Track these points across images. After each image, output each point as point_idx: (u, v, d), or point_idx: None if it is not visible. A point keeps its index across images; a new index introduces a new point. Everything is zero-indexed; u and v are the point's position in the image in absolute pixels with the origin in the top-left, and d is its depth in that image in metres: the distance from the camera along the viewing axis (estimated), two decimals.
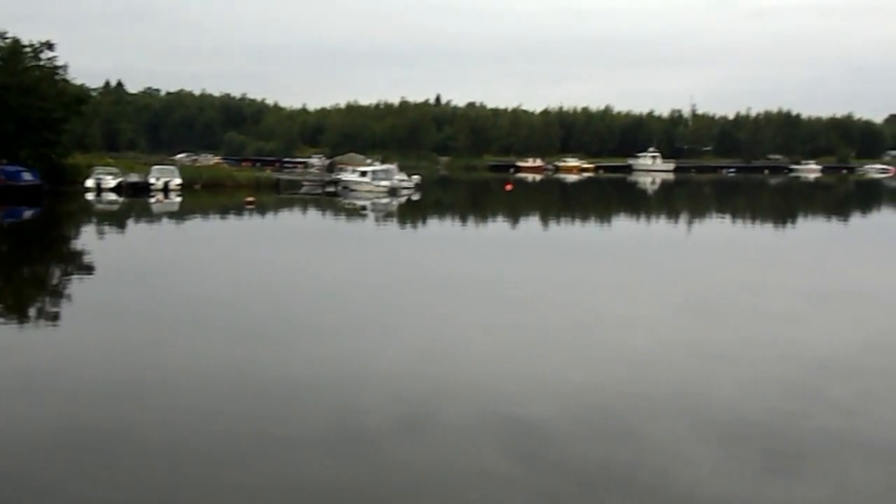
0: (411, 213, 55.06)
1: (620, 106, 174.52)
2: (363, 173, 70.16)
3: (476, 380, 14.62)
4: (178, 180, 63.33)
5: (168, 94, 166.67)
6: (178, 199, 58.76)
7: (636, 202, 74.37)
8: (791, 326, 19.55)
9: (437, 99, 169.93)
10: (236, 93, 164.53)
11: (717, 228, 49.29)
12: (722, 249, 36.52)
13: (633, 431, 12.10)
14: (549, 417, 12.63)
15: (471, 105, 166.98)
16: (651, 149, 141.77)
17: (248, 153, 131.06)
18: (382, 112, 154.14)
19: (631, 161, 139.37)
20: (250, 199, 55.06)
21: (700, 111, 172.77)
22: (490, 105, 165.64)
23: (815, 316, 21.07)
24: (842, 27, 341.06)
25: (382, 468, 10.70)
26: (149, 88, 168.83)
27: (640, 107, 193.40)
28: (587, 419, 12.69)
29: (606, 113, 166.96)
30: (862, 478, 10.65)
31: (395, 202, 61.00)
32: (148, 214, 50.83)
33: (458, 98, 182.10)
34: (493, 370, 15.29)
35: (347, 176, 71.91)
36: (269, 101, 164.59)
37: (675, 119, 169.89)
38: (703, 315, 20.81)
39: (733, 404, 13.37)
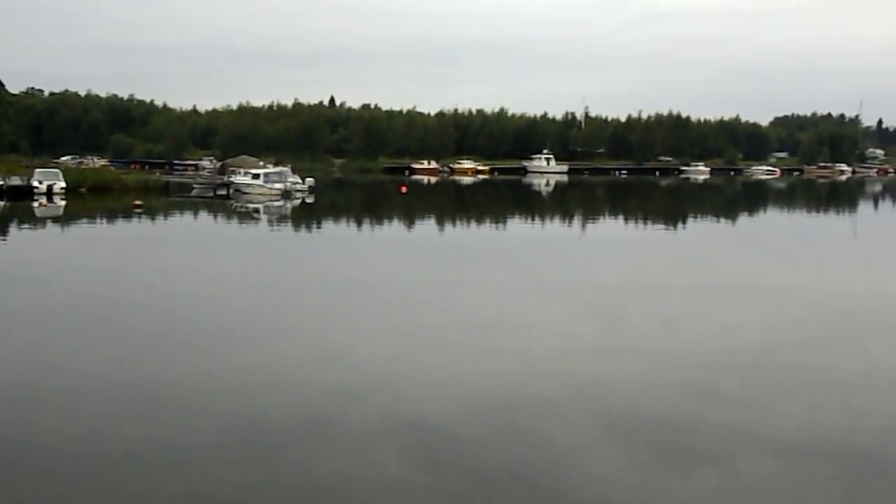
0: (305, 216, 54.48)
1: (515, 108, 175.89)
2: (255, 176, 69.04)
3: (377, 383, 14.45)
4: (62, 183, 61.14)
5: (52, 94, 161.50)
6: (63, 203, 56.78)
7: (531, 204, 74.88)
8: (684, 324, 19.84)
9: (332, 100, 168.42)
10: (123, 94, 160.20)
11: (611, 229, 49.99)
12: (616, 250, 36.90)
13: (534, 431, 12.07)
14: (451, 420, 12.51)
15: (365, 107, 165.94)
16: (545, 151, 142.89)
17: (136, 155, 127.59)
18: (275, 114, 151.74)
19: (525, 163, 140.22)
20: (138, 202, 53.45)
21: (593, 114, 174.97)
22: (385, 107, 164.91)
23: (706, 313, 21.30)
24: (732, 31, 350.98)
25: (284, 475, 10.47)
26: (31, 89, 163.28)
27: (534, 109, 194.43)
28: (489, 420, 12.59)
29: (501, 115, 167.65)
30: (755, 470, 10.77)
31: (289, 205, 60.34)
32: (31, 219, 48.95)
33: (352, 100, 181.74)
34: (394, 373, 15.14)
35: (239, 179, 70.59)
36: (158, 102, 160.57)
37: (569, 121, 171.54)
38: (599, 314, 20.96)
39: (631, 402, 13.44)
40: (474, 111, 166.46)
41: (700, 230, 50.47)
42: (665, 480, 10.52)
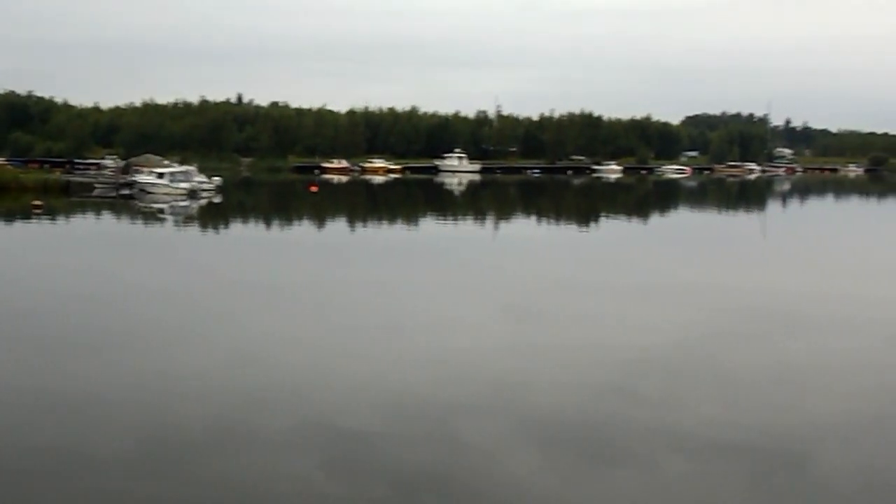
0: (212, 216, 53.20)
1: (427, 107, 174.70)
2: (160, 175, 67.05)
3: (291, 389, 14.03)
4: None
5: None
6: None
7: (444, 203, 74.41)
8: (601, 323, 19.78)
9: (239, 98, 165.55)
10: (22, 90, 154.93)
11: (525, 229, 49.85)
12: (531, 249, 36.76)
13: (453, 433, 11.86)
14: (369, 423, 12.20)
15: (274, 105, 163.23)
16: (457, 150, 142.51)
17: (35, 154, 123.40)
18: (181, 111, 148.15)
19: (437, 162, 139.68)
20: (37, 202, 51.12)
21: (506, 112, 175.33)
22: (294, 105, 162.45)
23: (622, 312, 21.25)
24: (644, 31, 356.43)
25: (194, 486, 10.11)
26: None
27: (446, 108, 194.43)
28: (407, 423, 12.34)
29: (413, 113, 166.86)
30: (672, 468, 10.75)
31: (195, 205, 58.83)
32: None
33: (260, 97, 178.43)
34: (308, 378, 14.76)
35: (144, 178, 68.48)
36: (59, 100, 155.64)
37: (481, 120, 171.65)
38: (515, 314, 20.70)
39: (549, 401, 13.32)
40: (386, 109, 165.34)
41: (614, 229, 50.65)
42: (583, 480, 10.45)
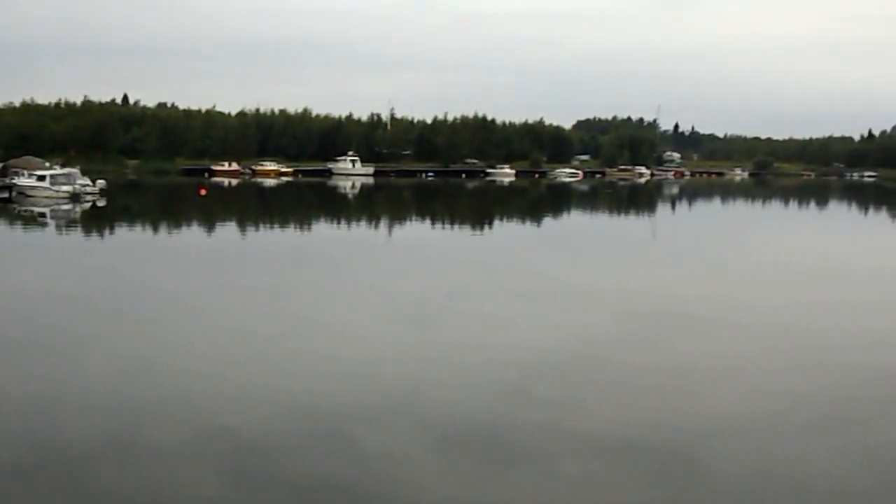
0: (96, 220, 51.61)
1: (319, 109, 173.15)
2: (41, 178, 64.48)
3: (184, 396, 13.60)
4: None
5: None
6: None
7: (337, 207, 73.52)
8: (498, 326, 19.69)
9: (125, 98, 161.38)
10: None
11: (420, 232, 49.43)
12: (426, 253, 36.67)
13: (352, 440, 11.62)
14: (265, 431, 11.90)
15: (161, 106, 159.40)
16: (350, 153, 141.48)
17: None
18: (63, 112, 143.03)
19: (330, 165, 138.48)
20: None
21: (400, 115, 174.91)
22: (182, 106, 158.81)
23: (519, 315, 21.25)
24: (538, 36, 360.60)
25: (84, 498, 9.77)
26: None
27: (339, 110, 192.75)
28: (305, 431, 12.08)
29: (305, 116, 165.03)
30: (571, 468, 10.78)
31: (78, 209, 56.79)
32: None
33: (147, 98, 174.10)
34: (201, 385, 14.33)
35: (23, 181, 65.80)
36: None
37: (375, 123, 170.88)
38: (412, 319, 20.55)
39: (449, 405, 13.22)
40: (277, 111, 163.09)
41: (508, 233, 50.88)
42: (483, 482, 10.35)
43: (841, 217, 76.20)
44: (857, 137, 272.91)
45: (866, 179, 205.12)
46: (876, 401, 13.97)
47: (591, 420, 12.70)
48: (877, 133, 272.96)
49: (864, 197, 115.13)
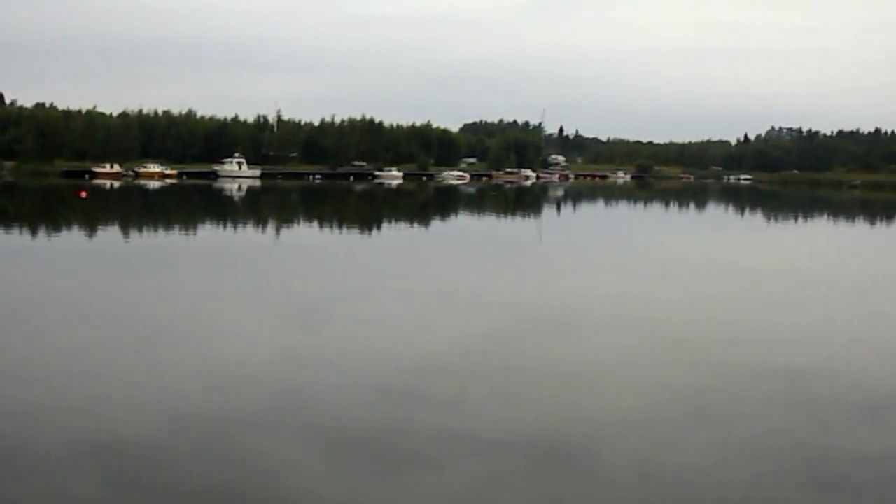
0: None
1: (205, 110, 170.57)
2: None
3: (61, 402, 13.24)
4: None
5: None
6: None
7: (222, 209, 72.56)
8: (386, 328, 19.63)
9: (1, 98, 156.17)
10: None
11: (307, 234, 49.05)
12: (313, 256, 36.44)
13: (240, 445, 11.45)
14: (149, 437, 11.64)
15: (40, 106, 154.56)
16: (237, 155, 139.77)
17: None
18: None
19: (216, 167, 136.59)
20: None
21: (287, 117, 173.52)
22: (62, 106, 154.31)
23: (407, 316, 21.29)
24: (424, 40, 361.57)
25: None
26: None
27: (225, 111, 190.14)
28: (190, 436, 11.83)
29: (190, 117, 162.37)
30: (462, 470, 10.77)
31: None
32: None
33: (24, 98, 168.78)
34: (79, 391, 13.94)
35: None
36: None
37: (261, 125, 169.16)
38: (300, 322, 20.34)
39: (337, 408, 13.13)
40: (161, 112, 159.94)
41: (396, 235, 50.98)
42: (372, 485, 10.29)
43: (719, 218, 78.61)
44: (733, 141, 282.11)
45: (742, 182, 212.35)
46: (754, 395, 14.38)
47: (478, 420, 12.73)
48: (752, 137, 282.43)
49: (741, 199, 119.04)
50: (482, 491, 10.19)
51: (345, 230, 52.43)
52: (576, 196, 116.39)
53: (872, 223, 74.33)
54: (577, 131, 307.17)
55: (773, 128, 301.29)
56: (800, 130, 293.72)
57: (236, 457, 11.05)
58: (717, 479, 10.62)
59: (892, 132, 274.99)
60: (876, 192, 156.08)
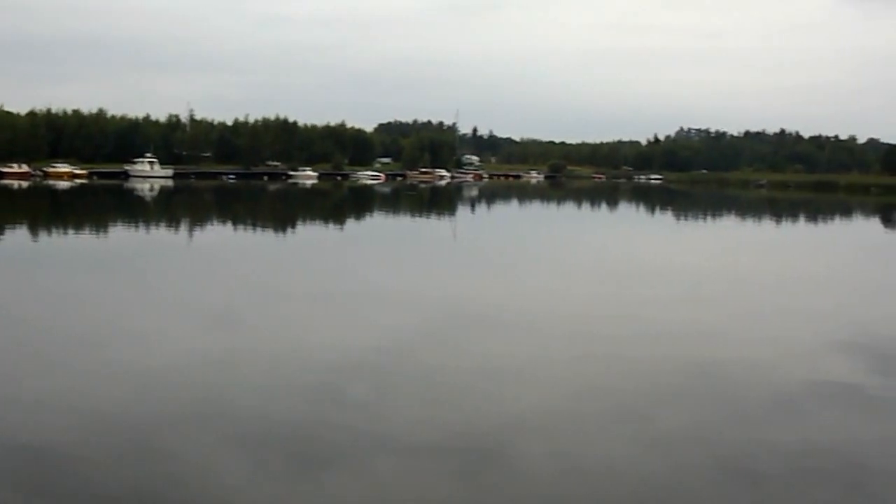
0: None
1: (115, 109, 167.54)
2: None
3: None
4: None
5: None
6: None
7: (134, 209, 71.48)
8: (304, 329, 19.57)
9: None
10: None
11: (222, 235, 48.61)
12: (228, 256, 36.16)
13: (158, 448, 11.34)
14: (66, 443, 11.42)
15: None
16: (148, 154, 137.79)
17: None
18: None
19: (128, 167, 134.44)
20: None
21: (199, 117, 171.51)
22: None
23: (325, 317, 21.20)
24: (340, 40, 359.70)
25: None
26: None
27: (136, 111, 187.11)
28: (108, 441, 11.60)
29: (100, 116, 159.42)
30: (385, 468, 10.81)
31: None
32: None
33: None
34: None
35: None
36: None
37: (173, 124, 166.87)
38: (216, 323, 20.17)
39: (259, 410, 13.01)
40: (70, 111, 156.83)
41: (311, 235, 50.70)
42: (294, 486, 10.26)
43: (632, 217, 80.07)
44: (644, 142, 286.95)
45: (653, 181, 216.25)
46: (672, 389, 14.72)
47: (399, 420, 12.77)
48: (662, 138, 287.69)
49: (652, 198, 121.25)
50: (404, 489, 10.26)
51: (260, 230, 52.09)
52: (490, 196, 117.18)
53: (779, 221, 76.54)
54: (491, 132, 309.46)
55: (682, 128, 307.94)
56: (708, 131, 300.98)
57: (154, 459, 10.94)
58: (637, 472, 10.85)
59: (797, 133, 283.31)
60: (781, 191, 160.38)
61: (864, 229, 70.52)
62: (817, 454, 11.72)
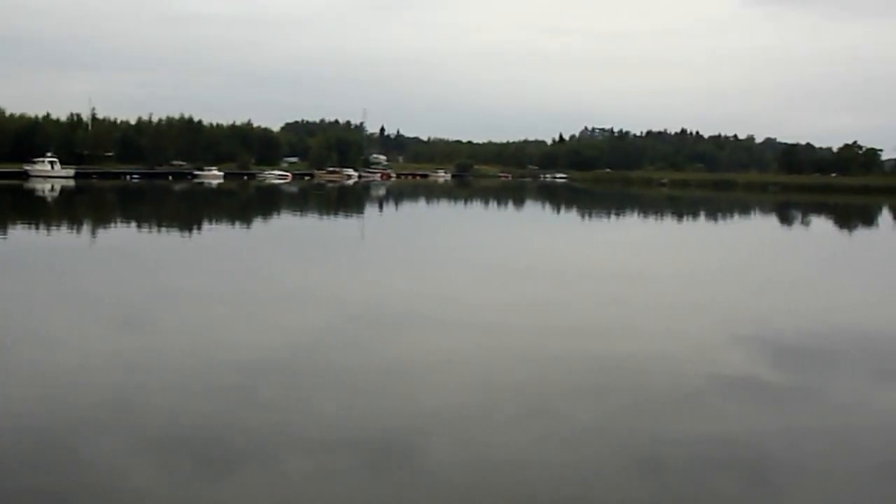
0: None
1: (13, 108, 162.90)
2: None
3: None
4: None
5: None
6: None
7: (34, 210, 69.61)
8: (211, 330, 19.39)
9: None
10: None
11: (123, 234, 47.57)
12: (130, 256, 35.38)
13: (65, 450, 11.23)
14: None
15: None
16: (49, 154, 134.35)
17: None
18: None
19: (28, 167, 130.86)
20: None
21: (102, 116, 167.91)
22: None
23: (232, 318, 20.99)
24: (247, 39, 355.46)
25: None
26: None
27: (36, 110, 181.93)
28: (12, 445, 11.43)
29: None
30: (296, 468, 10.86)
31: None
32: None
33: None
34: None
35: None
36: None
37: (75, 123, 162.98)
38: (123, 324, 19.91)
39: (168, 412, 12.89)
40: None
41: (217, 235, 50.13)
42: (207, 485, 10.29)
43: (538, 215, 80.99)
44: (549, 141, 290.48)
45: (558, 180, 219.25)
46: (579, 385, 15.04)
47: (310, 419, 12.80)
48: (567, 137, 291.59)
49: (558, 197, 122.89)
50: (317, 489, 10.30)
51: (164, 231, 51.30)
52: (398, 195, 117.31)
53: (680, 219, 78.35)
54: (398, 131, 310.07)
55: (586, 128, 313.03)
56: (612, 131, 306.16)
57: (59, 463, 10.82)
58: (545, 465, 11.08)
59: (697, 133, 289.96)
60: (682, 190, 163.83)
61: (761, 226, 72.56)
62: (720, 445, 12.08)
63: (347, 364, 16.25)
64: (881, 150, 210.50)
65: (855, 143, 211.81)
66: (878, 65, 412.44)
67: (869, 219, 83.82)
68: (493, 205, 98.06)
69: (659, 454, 11.63)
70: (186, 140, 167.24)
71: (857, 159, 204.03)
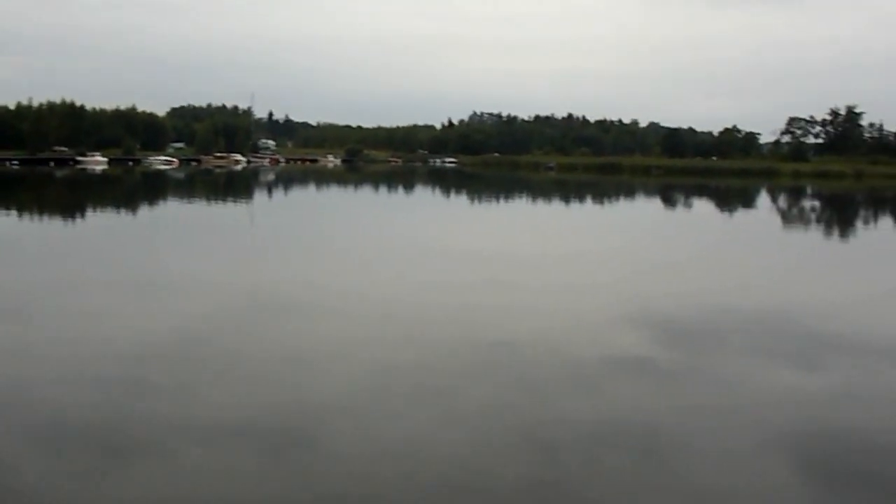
0: None
1: None
2: None
3: None
4: None
5: None
6: None
7: None
8: (98, 320, 19.00)
9: None
10: None
11: (6, 223, 46.12)
12: (10, 246, 34.71)
13: None
14: None
15: None
16: None
17: None
18: None
19: None
20: None
21: None
22: None
23: (119, 307, 20.55)
24: (132, 22, 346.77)
25: None
26: None
27: None
28: None
29: None
30: (190, 454, 10.77)
31: None
32: None
33: None
34: None
35: None
36: None
37: None
38: (5, 314, 19.42)
39: (55, 402, 12.67)
40: None
41: (102, 222, 49.20)
42: (97, 477, 10.11)
43: (427, 200, 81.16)
44: (438, 126, 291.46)
45: (448, 165, 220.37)
46: (472, 369, 15.18)
47: (204, 406, 12.73)
48: (456, 122, 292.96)
49: (447, 181, 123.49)
50: (210, 474, 10.26)
51: (46, 219, 49.96)
52: (287, 180, 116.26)
53: (567, 202, 79.57)
54: (287, 116, 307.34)
55: (475, 113, 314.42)
56: (500, 115, 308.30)
57: None
58: (439, 447, 11.24)
59: (584, 117, 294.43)
60: (569, 174, 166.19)
61: (645, 208, 74.24)
62: (611, 423, 12.37)
63: (238, 350, 16.13)
64: (760, 134, 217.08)
65: (734, 126, 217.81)
66: (757, 52, 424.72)
67: (748, 200, 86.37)
68: (383, 189, 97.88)
69: (550, 432, 11.87)
70: (69, 125, 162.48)
71: (736, 143, 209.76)
